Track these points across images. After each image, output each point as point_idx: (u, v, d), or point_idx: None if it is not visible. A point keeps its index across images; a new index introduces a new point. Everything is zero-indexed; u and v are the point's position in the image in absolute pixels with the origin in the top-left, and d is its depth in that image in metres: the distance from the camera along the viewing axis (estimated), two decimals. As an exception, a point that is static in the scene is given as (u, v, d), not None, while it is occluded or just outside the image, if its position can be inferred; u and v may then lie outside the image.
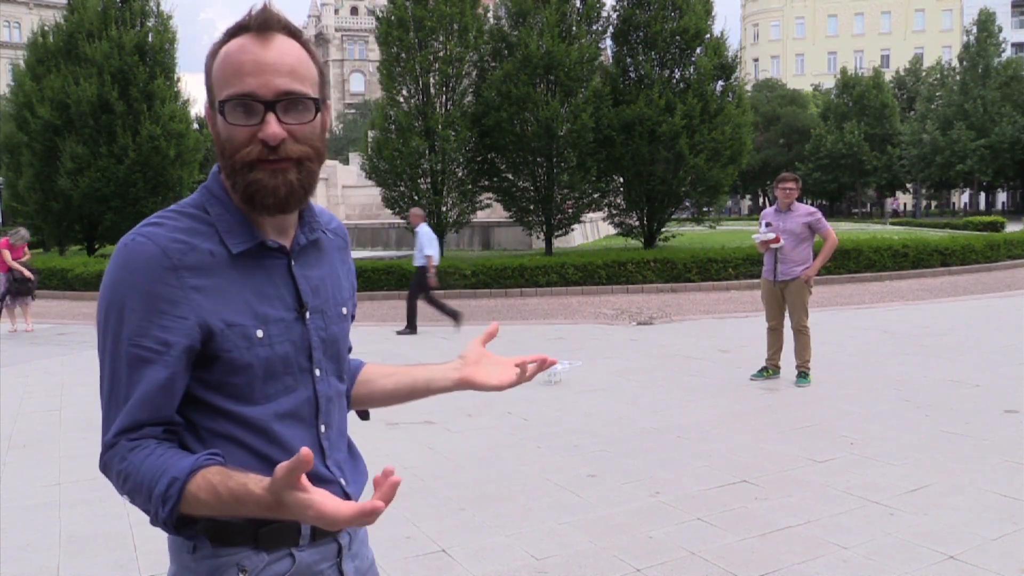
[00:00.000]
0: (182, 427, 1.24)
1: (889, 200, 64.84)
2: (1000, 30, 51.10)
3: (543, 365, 1.47)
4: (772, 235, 7.16)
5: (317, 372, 1.32)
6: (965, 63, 50.64)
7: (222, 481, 1.12)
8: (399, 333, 10.99)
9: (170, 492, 1.13)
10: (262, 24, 1.22)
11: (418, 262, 10.91)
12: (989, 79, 49.33)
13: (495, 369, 1.47)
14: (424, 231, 10.90)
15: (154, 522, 1.17)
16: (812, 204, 48.45)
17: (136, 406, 1.18)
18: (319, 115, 1.26)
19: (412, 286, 11.16)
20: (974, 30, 51.00)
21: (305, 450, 1.00)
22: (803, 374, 7.26)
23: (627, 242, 21.25)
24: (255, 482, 1.10)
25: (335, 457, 1.37)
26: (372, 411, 1.61)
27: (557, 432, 5.89)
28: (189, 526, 1.18)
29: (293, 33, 1.25)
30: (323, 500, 1.04)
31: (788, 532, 3.93)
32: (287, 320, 1.28)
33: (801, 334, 7.27)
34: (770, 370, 7.50)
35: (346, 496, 1.37)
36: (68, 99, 21.16)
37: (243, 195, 1.24)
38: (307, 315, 1.31)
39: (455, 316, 10.78)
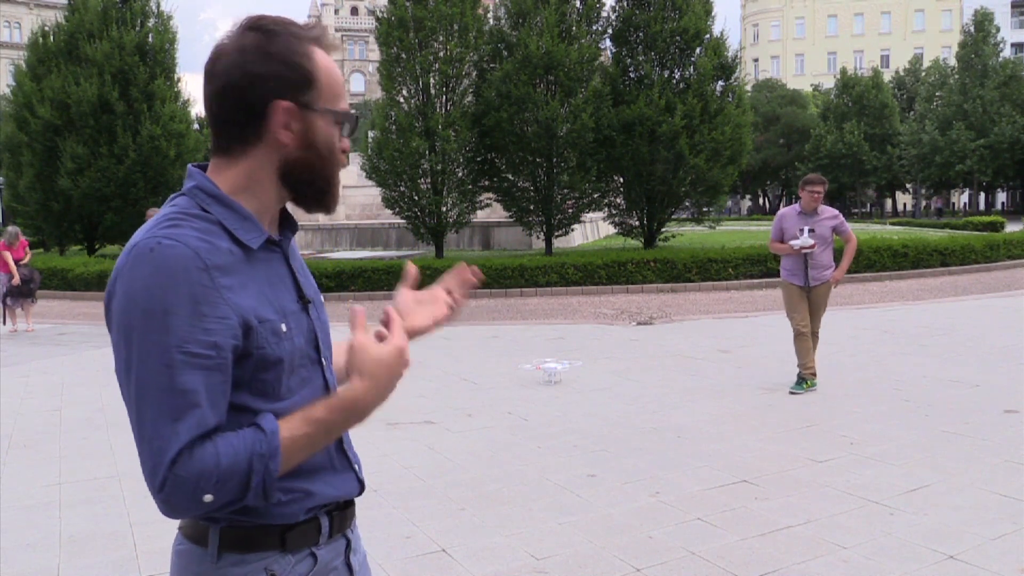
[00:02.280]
0: None
1: (934, 199, 63.79)
2: (998, 30, 51.05)
3: (464, 281, 1.61)
4: (811, 241, 6.87)
5: (324, 362, 1.34)
6: (961, 63, 50.59)
7: (302, 412, 1.21)
8: None
9: (274, 443, 1.16)
10: (332, 46, 1.31)
11: None
12: (987, 79, 49.30)
13: (428, 309, 1.56)
14: None
15: (256, 493, 1.16)
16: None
17: (203, 414, 1.13)
18: None
19: None
20: (971, 30, 50.98)
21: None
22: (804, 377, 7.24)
23: (627, 242, 21.22)
24: (339, 390, 1.25)
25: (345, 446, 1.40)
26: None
27: (557, 432, 5.90)
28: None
29: None
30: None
31: (788, 532, 3.93)
32: (297, 312, 1.30)
33: (815, 337, 7.24)
34: (808, 381, 6.92)
35: (360, 483, 1.40)
36: (68, 99, 21.14)
37: (320, 192, 1.31)
38: (308, 306, 1.33)
39: None
